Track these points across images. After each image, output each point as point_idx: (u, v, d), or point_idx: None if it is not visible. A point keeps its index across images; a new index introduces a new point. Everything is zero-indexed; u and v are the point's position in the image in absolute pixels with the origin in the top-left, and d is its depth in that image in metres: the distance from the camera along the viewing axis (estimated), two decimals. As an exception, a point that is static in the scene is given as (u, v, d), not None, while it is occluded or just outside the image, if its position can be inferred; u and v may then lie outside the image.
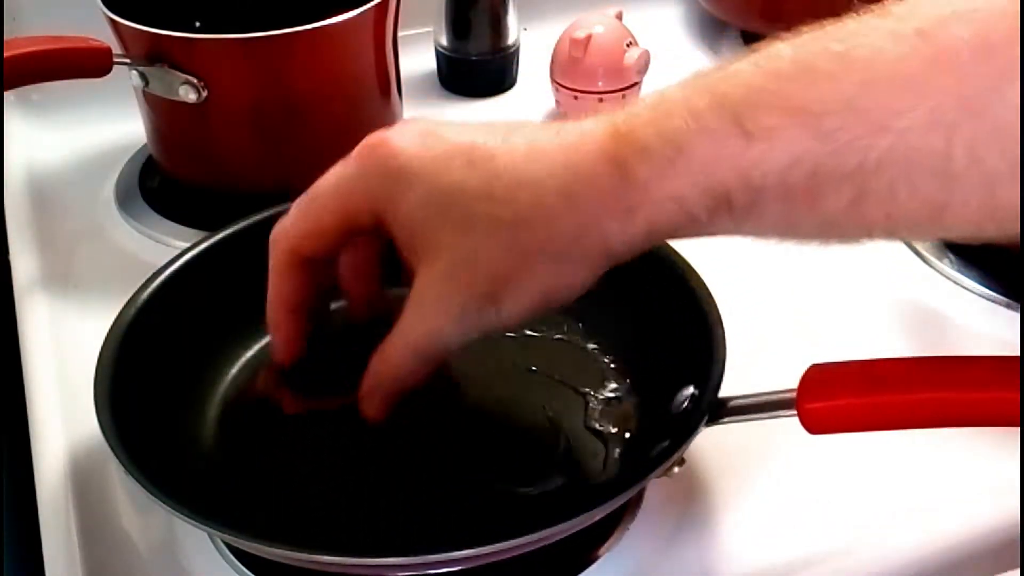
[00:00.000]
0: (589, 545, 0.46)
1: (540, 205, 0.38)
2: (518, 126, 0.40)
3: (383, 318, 0.43)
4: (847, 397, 0.41)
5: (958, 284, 0.60)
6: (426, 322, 0.40)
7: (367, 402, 0.44)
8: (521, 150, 0.39)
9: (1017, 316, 0.58)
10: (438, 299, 0.40)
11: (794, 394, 0.41)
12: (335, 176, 0.42)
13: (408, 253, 0.40)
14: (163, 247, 0.63)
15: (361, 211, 0.41)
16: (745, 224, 0.36)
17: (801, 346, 0.48)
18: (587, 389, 0.50)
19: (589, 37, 0.73)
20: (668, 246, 0.50)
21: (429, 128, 0.41)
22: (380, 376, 0.43)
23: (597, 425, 0.49)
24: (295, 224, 0.43)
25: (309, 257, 0.43)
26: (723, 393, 0.43)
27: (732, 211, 0.36)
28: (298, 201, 0.43)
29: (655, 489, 0.48)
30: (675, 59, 0.85)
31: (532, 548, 0.40)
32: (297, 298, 0.45)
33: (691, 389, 0.45)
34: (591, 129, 0.38)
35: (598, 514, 0.41)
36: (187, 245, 0.54)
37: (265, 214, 0.54)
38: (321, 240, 0.43)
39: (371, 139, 0.41)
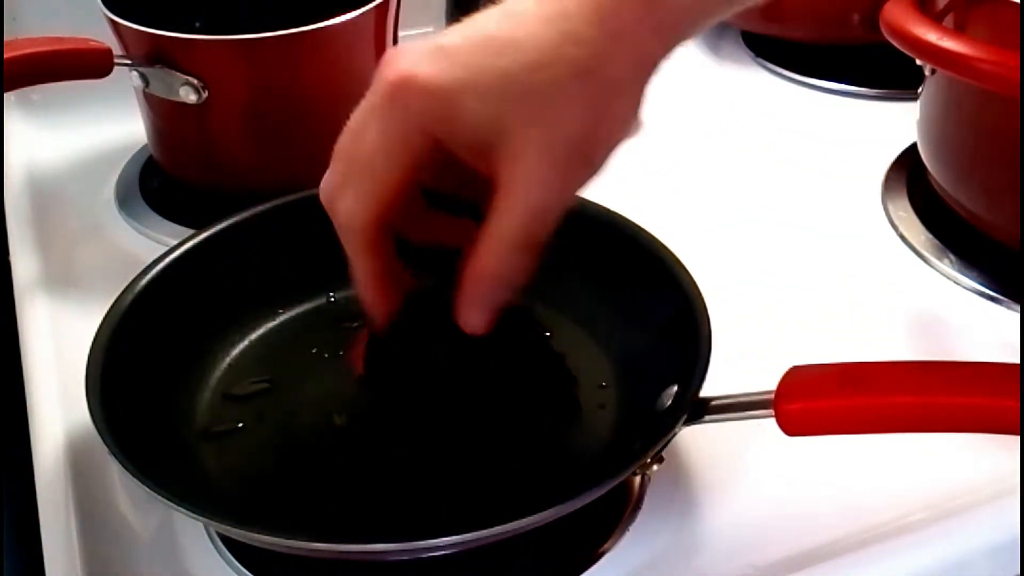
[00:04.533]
0: (589, 546, 0.46)
1: (597, 54, 0.38)
2: (490, 13, 0.40)
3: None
4: (823, 399, 0.41)
5: (958, 284, 0.60)
6: (525, 203, 0.39)
7: (472, 313, 0.42)
8: (538, 22, 0.39)
9: (1017, 316, 0.58)
10: (539, 180, 0.39)
11: (772, 395, 0.41)
12: (377, 133, 0.40)
13: (481, 159, 0.40)
14: (163, 247, 0.62)
15: (422, 152, 0.40)
16: None
17: (799, 346, 0.48)
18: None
19: (589, 37, 0.73)
20: (660, 243, 0.50)
21: (428, 48, 0.40)
22: (484, 279, 0.41)
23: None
24: (361, 200, 0.41)
25: (387, 223, 0.42)
26: (716, 392, 0.43)
27: None
28: (343, 176, 0.42)
29: (656, 491, 0.48)
30: (675, 58, 0.85)
31: (511, 535, 0.40)
32: (389, 266, 0.43)
33: (676, 388, 0.45)
34: None
35: (568, 508, 0.40)
36: (187, 245, 0.54)
37: (261, 207, 0.55)
38: (395, 200, 0.41)
39: (390, 79, 0.39)
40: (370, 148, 0.40)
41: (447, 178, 0.44)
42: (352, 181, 0.41)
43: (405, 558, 0.42)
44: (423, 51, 0.40)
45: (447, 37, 0.40)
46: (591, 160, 0.40)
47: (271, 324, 0.55)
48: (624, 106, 0.40)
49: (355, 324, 0.52)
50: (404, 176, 0.40)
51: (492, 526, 0.39)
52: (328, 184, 0.43)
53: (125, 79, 0.64)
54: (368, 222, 0.41)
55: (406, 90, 0.39)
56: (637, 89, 0.40)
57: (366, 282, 0.43)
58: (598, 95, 0.39)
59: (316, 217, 0.54)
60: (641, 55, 0.39)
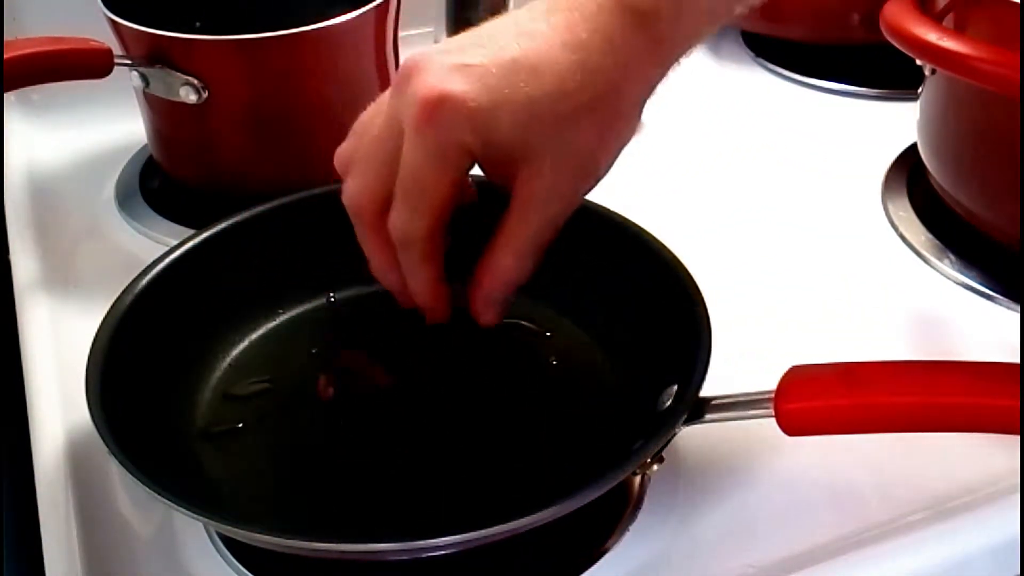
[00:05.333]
0: (589, 546, 0.46)
1: (609, 83, 0.43)
2: (506, 30, 0.44)
3: None
4: (823, 399, 0.41)
5: (958, 284, 0.60)
6: (542, 214, 0.44)
7: (488, 310, 0.47)
8: (556, 49, 0.42)
9: (1017, 316, 0.58)
10: (550, 191, 0.44)
11: (772, 395, 0.41)
12: (420, 150, 0.43)
13: (504, 168, 0.44)
14: (163, 247, 0.62)
15: (462, 165, 0.44)
16: None
17: (799, 346, 0.48)
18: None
19: (589, 37, 0.73)
20: (660, 243, 0.51)
21: (453, 64, 0.42)
22: (501, 279, 0.46)
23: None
24: (419, 215, 0.44)
25: (440, 231, 0.46)
26: (716, 392, 0.43)
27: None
28: (375, 182, 0.45)
29: (656, 491, 0.48)
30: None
31: (511, 535, 0.40)
32: (442, 270, 0.47)
33: (676, 387, 0.45)
34: (590, 10, 0.43)
35: (568, 508, 0.40)
36: (187, 245, 0.54)
37: (261, 208, 0.55)
38: (447, 211, 0.45)
39: (425, 95, 0.42)
40: (415, 164, 0.43)
41: None
42: (405, 198, 0.44)
43: (405, 558, 0.42)
44: (448, 67, 0.42)
45: (469, 54, 0.43)
46: (597, 173, 0.45)
47: (271, 324, 0.55)
48: (627, 127, 0.45)
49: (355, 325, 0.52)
50: (453, 188, 0.44)
51: (492, 526, 0.39)
52: (360, 189, 0.46)
53: (125, 79, 0.64)
54: (429, 235, 0.45)
55: (446, 108, 0.42)
56: (638, 112, 0.45)
57: (429, 288, 0.47)
58: (608, 120, 0.44)
59: (316, 217, 0.54)
60: (645, 83, 0.44)
